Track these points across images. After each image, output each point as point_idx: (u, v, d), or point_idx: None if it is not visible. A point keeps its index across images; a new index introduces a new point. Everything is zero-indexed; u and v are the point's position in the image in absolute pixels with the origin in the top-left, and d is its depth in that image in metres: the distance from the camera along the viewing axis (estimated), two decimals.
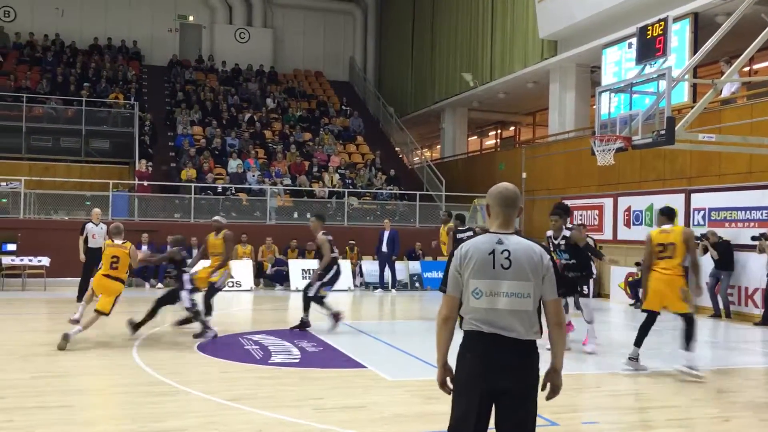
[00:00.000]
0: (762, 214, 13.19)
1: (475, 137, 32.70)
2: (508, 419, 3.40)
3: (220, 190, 20.15)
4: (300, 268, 18.12)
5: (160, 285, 17.66)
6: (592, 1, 18.21)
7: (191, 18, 31.08)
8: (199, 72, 28.79)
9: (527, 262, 3.39)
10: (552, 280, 3.42)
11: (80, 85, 24.43)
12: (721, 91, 14.02)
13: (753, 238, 12.81)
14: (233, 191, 20.27)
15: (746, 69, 17.12)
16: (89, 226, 14.29)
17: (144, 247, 17.81)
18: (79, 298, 14.15)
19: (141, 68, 28.29)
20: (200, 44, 30.85)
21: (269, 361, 8.46)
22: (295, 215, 20.30)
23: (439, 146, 30.44)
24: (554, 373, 3.58)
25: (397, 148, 28.36)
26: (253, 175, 21.03)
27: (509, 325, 3.38)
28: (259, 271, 18.30)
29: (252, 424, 5.79)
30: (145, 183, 19.38)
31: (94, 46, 28.48)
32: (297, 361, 8.57)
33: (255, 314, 14.07)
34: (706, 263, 13.88)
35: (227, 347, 9.40)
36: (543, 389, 3.56)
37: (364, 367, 8.25)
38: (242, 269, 17.82)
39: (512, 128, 31.27)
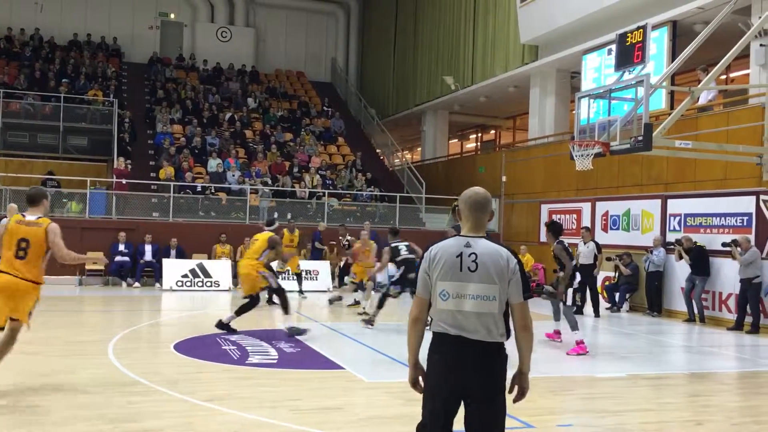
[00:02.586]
0: (736, 221, 13.38)
1: (456, 140, 32.83)
2: (475, 422, 3.45)
3: (199, 189, 20.04)
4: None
5: (137, 284, 17.54)
6: (572, 8, 18.37)
7: (172, 16, 30.88)
8: (179, 70, 28.61)
9: (493, 265, 3.43)
10: (518, 283, 3.45)
11: (59, 81, 24.18)
12: (698, 98, 14.22)
13: (723, 245, 12.99)
14: (213, 191, 20.17)
15: (723, 77, 17.37)
16: (4, 221, 13.19)
17: (121, 246, 17.69)
18: None
19: (121, 65, 28.06)
20: (181, 42, 30.66)
21: (246, 362, 8.42)
22: (276, 215, 20.20)
23: (419, 148, 30.52)
24: (521, 376, 3.61)
25: (378, 150, 28.39)
26: (233, 175, 20.93)
27: (474, 327, 3.42)
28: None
29: (228, 425, 5.76)
30: (124, 181, 19.22)
31: (74, 42, 28.19)
32: (274, 361, 8.54)
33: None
34: (682, 268, 14.07)
35: (204, 347, 9.35)
36: (510, 392, 3.58)
37: (341, 368, 8.25)
38: (220, 269, 17.75)
39: (493, 132, 31.44)
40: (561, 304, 10.15)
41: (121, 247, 17.73)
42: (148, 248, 17.84)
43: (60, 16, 28.60)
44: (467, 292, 3.42)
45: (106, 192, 19.23)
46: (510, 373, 3.60)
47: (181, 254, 17.93)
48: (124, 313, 13.45)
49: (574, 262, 10.23)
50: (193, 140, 22.89)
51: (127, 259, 17.71)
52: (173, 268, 17.39)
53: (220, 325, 10.32)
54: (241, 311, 10.31)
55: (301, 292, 16.26)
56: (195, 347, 9.30)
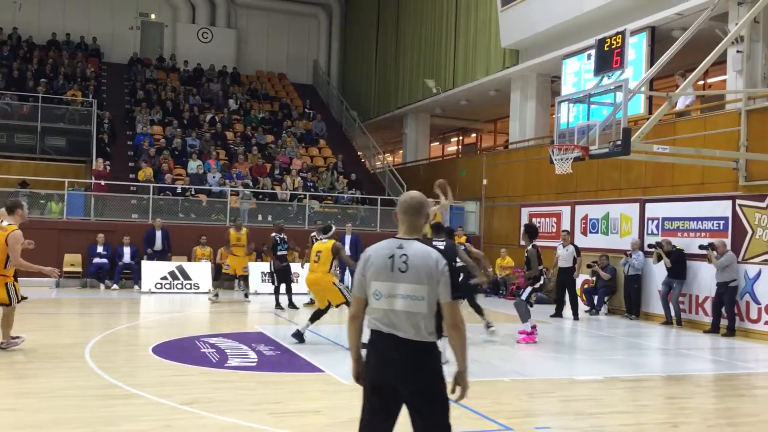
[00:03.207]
0: (713, 225, 13.55)
1: (437, 143, 32.93)
2: (418, 422, 3.59)
3: (179, 190, 19.91)
4: (259, 271, 18.00)
5: (115, 286, 17.38)
6: (553, 13, 18.50)
7: (153, 16, 30.66)
8: (160, 71, 28.41)
9: (423, 266, 3.56)
10: (446, 284, 3.56)
11: (37, 81, 23.91)
12: (675, 103, 14.38)
13: (700, 247, 13.17)
14: (193, 192, 20.05)
15: (700, 83, 17.59)
16: None
17: (99, 248, 17.53)
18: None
19: (100, 65, 27.81)
20: (162, 43, 30.45)
21: (225, 365, 8.39)
22: (259, 218, 20.18)
23: (401, 151, 30.56)
24: (459, 375, 3.69)
25: (359, 153, 28.38)
26: (214, 177, 20.83)
27: (404, 326, 3.56)
28: (217, 273, 18.13)
29: (207, 429, 5.74)
30: (103, 182, 19.04)
31: (52, 41, 27.89)
32: (254, 364, 8.51)
33: (213, 317, 13.93)
34: (660, 271, 14.22)
35: (183, 350, 9.30)
36: (453, 391, 3.66)
37: (321, 371, 8.24)
38: (200, 271, 17.65)
39: (474, 135, 31.57)
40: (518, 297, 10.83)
41: (100, 249, 17.56)
42: (126, 250, 17.68)
43: (38, 16, 28.29)
44: (398, 291, 3.57)
45: (85, 193, 19.03)
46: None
47: (135, 255, 17.69)
48: (102, 315, 13.32)
49: (542, 267, 11.25)
50: (173, 141, 22.74)
51: (105, 261, 17.55)
52: (152, 270, 17.26)
53: (297, 335, 10.11)
54: (315, 317, 10.23)
55: (246, 295, 16.06)
56: (174, 350, 9.25)
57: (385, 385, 3.59)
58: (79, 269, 17.57)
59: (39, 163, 21.52)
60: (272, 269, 15.01)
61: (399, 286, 3.56)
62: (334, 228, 11.06)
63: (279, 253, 14.71)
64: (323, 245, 10.41)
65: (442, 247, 10.09)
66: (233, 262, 15.68)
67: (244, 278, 16.10)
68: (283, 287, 14.71)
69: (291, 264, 15.33)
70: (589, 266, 15.62)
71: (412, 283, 3.55)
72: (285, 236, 15.12)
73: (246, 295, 16.06)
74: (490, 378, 8.49)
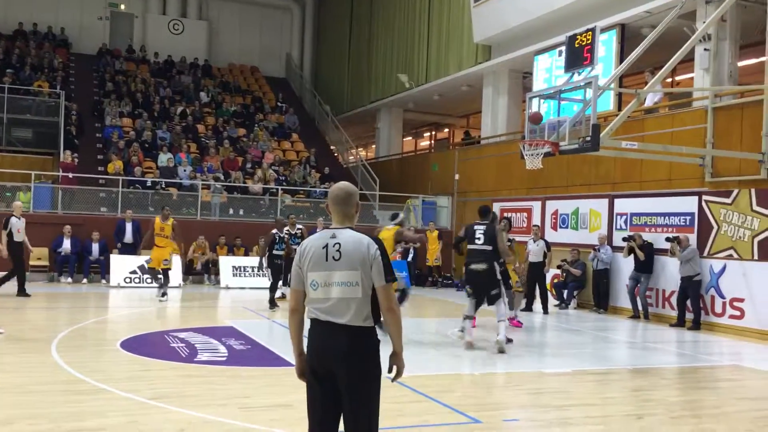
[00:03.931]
0: (679, 220, 13.78)
1: (410, 138, 32.97)
2: (345, 404, 3.64)
3: (149, 184, 19.69)
4: (230, 265, 17.89)
5: (84, 281, 17.16)
6: (524, 9, 18.62)
7: (122, 6, 30.22)
8: (130, 62, 28.03)
9: (356, 252, 3.65)
10: (380, 268, 3.64)
11: (3, 72, 23.44)
12: (644, 100, 14.58)
13: (667, 239, 13.40)
14: (163, 186, 19.83)
15: (669, 80, 17.84)
16: (13, 220, 13.71)
17: (66, 241, 17.27)
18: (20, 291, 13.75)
19: (68, 56, 27.34)
20: (131, 34, 30.03)
21: (195, 359, 8.33)
22: (230, 212, 20.04)
23: (374, 146, 30.56)
24: (395, 356, 3.79)
25: (332, 147, 28.32)
26: (185, 170, 20.62)
27: (340, 312, 3.64)
28: (188, 268, 17.99)
29: (175, 423, 5.70)
30: (71, 175, 18.75)
31: (19, 31, 27.37)
32: (224, 359, 8.47)
33: (183, 311, 13.82)
34: (628, 266, 14.42)
35: (152, 345, 9.21)
36: (389, 372, 3.77)
37: (292, 365, 8.18)
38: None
39: (446, 130, 31.68)
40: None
41: (66, 242, 17.30)
42: (95, 247, 17.42)
43: (4, 5, 27.69)
44: (333, 279, 3.66)
45: (52, 186, 18.73)
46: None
47: (104, 249, 17.50)
48: (70, 310, 13.14)
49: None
50: (143, 134, 22.47)
51: (72, 254, 17.27)
52: (121, 264, 17.06)
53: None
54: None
55: (164, 294, 14.13)
56: (142, 345, 9.16)
57: (324, 371, 3.66)
58: (46, 263, 17.29)
59: (5, 155, 21.12)
60: (266, 264, 14.03)
61: (334, 275, 3.65)
62: (402, 215, 11.18)
63: (275, 252, 14.00)
64: (387, 231, 10.34)
65: (483, 229, 9.66)
66: (155, 254, 14.16)
67: (165, 273, 14.29)
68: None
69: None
70: (559, 266, 15.79)
71: (346, 269, 3.63)
72: (297, 231, 14.66)
73: (164, 294, 14.15)
74: (459, 371, 8.56)
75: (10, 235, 13.57)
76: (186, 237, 17.96)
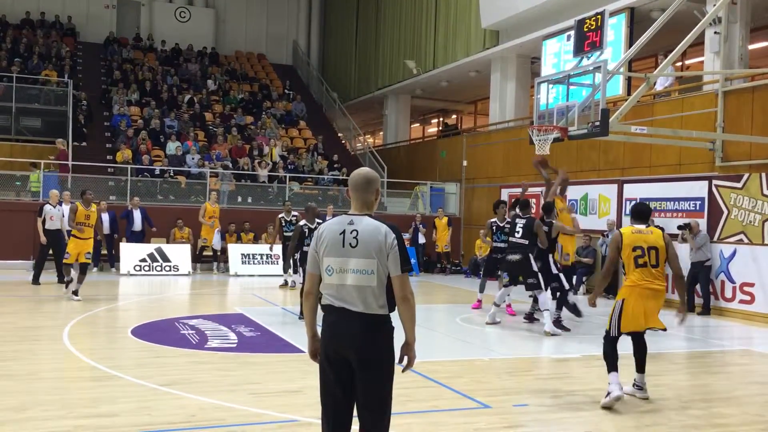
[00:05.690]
0: (690, 205, 13.70)
1: (418, 124, 32.88)
2: (359, 390, 3.65)
3: (158, 172, 19.73)
4: (239, 253, 17.94)
5: (94, 269, 17.20)
6: None
7: None
8: (137, 51, 28.02)
9: (372, 241, 3.62)
10: (396, 257, 3.61)
11: (11, 61, 23.49)
12: (654, 84, 14.45)
13: (679, 227, 13.31)
14: (171, 174, 19.87)
15: (678, 64, 17.69)
16: (47, 207, 14.13)
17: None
18: (37, 280, 14.01)
19: (76, 45, 27.34)
20: (138, 22, 29.98)
21: (205, 346, 8.38)
22: (239, 199, 20.07)
23: (381, 133, 30.49)
24: (406, 347, 3.78)
25: (339, 134, 28.28)
26: (193, 158, 20.65)
27: (354, 299, 3.64)
28: (197, 255, 18.06)
29: (186, 409, 5.74)
30: (70, 164, 18.72)
31: (26, 20, 27.38)
32: (234, 345, 8.52)
33: (193, 298, 13.89)
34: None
35: (162, 332, 9.27)
36: (400, 362, 3.76)
37: (301, 351, 8.25)
38: (180, 253, 17.54)
39: (454, 116, 31.56)
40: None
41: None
42: (105, 217, 17.16)
43: None
44: (349, 267, 3.64)
45: (60, 175, 18.76)
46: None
47: (113, 223, 17.26)
48: (81, 297, 13.21)
49: None
50: (151, 122, 22.48)
51: None
52: (131, 252, 17.13)
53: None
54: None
55: (75, 293, 12.04)
56: (153, 332, 9.22)
57: (337, 357, 3.67)
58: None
59: (14, 144, 21.19)
60: (299, 261, 11.27)
61: (350, 261, 3.63)
62: (532, 205, 11.37)
63: (286, 233, 14.61)
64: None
65: (523, 223, 10.27)
66: (73, 247, 12.11)
67: (83, 267, 12.19)
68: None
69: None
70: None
71: (362, 257, 3.62)
72: (292, 218, 14.96)
73: (75, 293, 12.07)
74: (468, 357, 8.57)
75: (44, 222, 14.04)
76: (194, 224, 18.06)
